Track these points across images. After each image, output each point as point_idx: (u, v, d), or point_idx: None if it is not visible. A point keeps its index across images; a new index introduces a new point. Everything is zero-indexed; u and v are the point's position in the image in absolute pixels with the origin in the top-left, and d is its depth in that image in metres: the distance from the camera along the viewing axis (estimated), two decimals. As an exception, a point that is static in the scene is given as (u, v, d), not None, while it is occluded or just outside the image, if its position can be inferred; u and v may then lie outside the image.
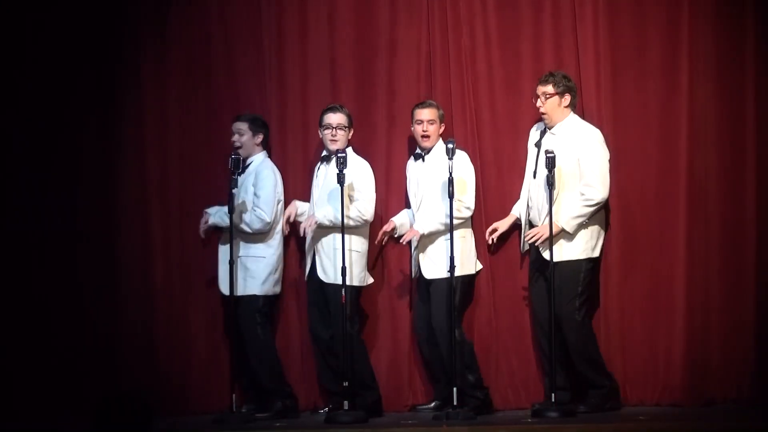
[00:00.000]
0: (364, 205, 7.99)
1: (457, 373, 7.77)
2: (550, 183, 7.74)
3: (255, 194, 8.06)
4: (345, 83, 8.41)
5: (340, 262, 7.81)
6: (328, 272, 7.95)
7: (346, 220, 7.84)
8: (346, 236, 7.85)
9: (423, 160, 8.07)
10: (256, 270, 8.07)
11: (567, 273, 7.84)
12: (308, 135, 8.40)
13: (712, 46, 8.19)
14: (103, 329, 8.27)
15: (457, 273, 7.84)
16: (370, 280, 8.15)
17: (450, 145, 7.77)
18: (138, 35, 8.46)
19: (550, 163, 7.71)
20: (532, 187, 7.98)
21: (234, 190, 7.91)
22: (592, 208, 7.85)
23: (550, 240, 7.72)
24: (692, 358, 8.06)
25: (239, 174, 8.00)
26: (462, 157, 8.04)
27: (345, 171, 7.79)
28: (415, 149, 8.19)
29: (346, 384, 7.70)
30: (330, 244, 7.94)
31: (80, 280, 8.30)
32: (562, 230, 7.81)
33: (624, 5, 8.26)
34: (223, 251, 8.08)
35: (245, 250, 8.09)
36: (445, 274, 7.83)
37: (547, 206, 7.77)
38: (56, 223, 8.28)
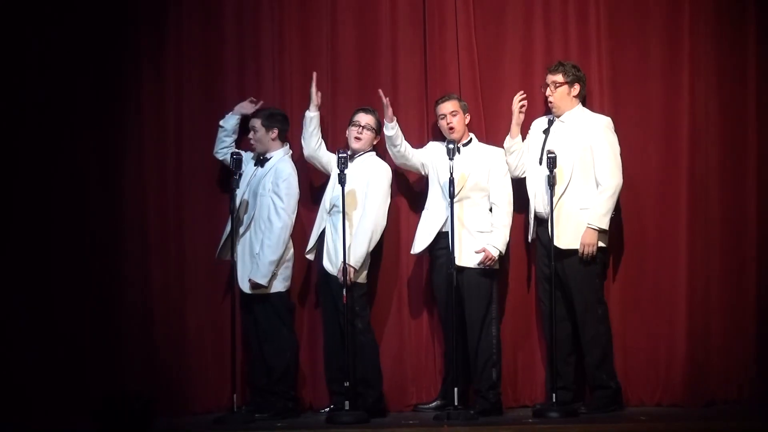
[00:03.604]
0: (376, 217, 7.90)
1: (481, 370, 7.77)
2: (552, 183, 7.74)
3: (275, 193, 7.96)
4: (347, 86, 8.38)
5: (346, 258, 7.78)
6: (337, 268, 7.84)
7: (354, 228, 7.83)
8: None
9: (459, 153, 7.92)
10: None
11: (584, 264, 7.79)
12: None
13: (713, 46, 8.21)
14: (104, 329, 8.26)
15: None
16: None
17: (450, 146, 7.76)
18: (138, 37, 8.42)
19: (552, 163, 7.70)
20: (537, 174, 7.92)
21: (236, 191, 7.89)
22: (614, 197, 7.80)
23: (551, 231, 7.71)
24: (693, 359, 8.07)
25: (259, 166, 8.03)
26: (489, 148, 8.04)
27: (356, 173, 7.83)
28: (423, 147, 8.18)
29: (347, 384, 7.68)
30: (339, 242, 7.80)
31: (80, 280, 8.28)
32: (600, 230, 7.75)
33: (625, 6, 8.27)
34: (240, 246, 7.97)
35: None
36: (477, 263, 7.80)
37: (549, 194, 7.76)
38: (56, 223, 8.26)
